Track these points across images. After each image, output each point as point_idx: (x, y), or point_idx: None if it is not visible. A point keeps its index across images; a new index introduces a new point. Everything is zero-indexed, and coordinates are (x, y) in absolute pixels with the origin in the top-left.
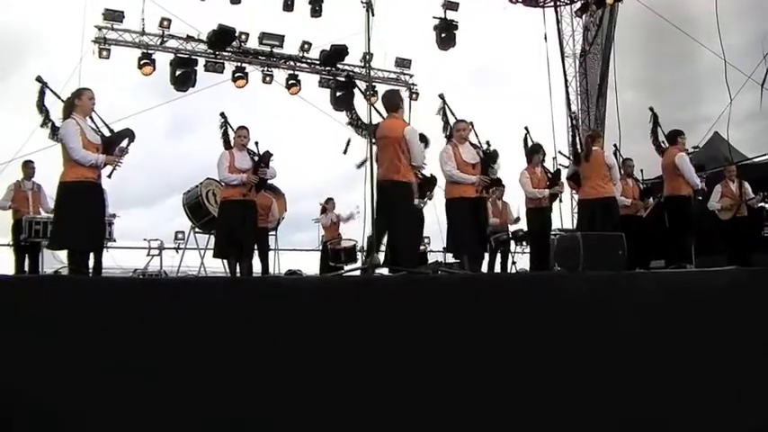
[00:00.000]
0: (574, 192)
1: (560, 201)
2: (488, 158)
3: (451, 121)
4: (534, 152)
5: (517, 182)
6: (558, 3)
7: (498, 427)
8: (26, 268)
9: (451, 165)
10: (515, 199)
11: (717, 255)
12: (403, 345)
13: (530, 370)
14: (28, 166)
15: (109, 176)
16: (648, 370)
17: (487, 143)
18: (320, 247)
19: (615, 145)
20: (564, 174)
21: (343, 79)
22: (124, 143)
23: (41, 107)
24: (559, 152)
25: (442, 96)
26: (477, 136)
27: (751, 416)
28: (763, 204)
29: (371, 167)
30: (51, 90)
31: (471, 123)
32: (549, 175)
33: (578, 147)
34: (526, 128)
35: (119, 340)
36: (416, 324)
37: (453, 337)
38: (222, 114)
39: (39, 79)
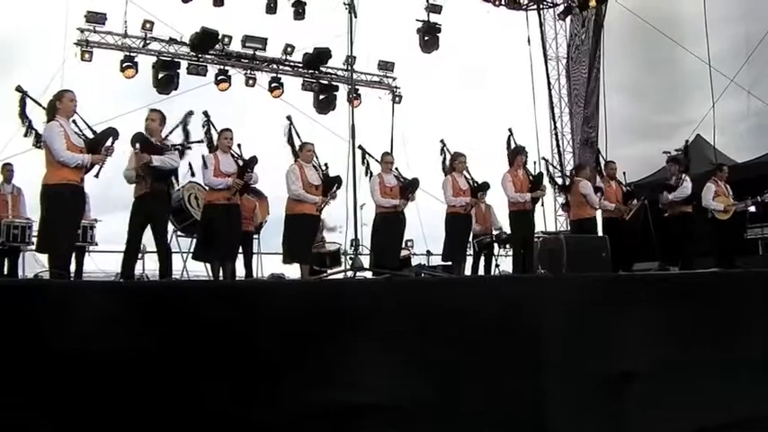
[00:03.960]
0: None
1: (542, 204)
2: (480, 187)
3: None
4: (517, 154)
5: (500, 184)
6: (541, 6)
7: None
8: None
9: (449, 192)
10: (499, 201)
11: (706, 257)
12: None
13: None
14: (6, 169)
15: (96, 176)
16: None
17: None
18: None
19: (597, 149)
20: (546, 177)
21: (325, 82)
22: (108, 142)
23: (23, 117)
24: (543, 158)
25: (442, 141)
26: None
27: None
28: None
29: (354, 172)
30: (32, 98)
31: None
32: (531, 178)
33: (561, 156)
34: (510, 130)
35: None
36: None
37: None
38: (205, 113)
39: (18, 89)
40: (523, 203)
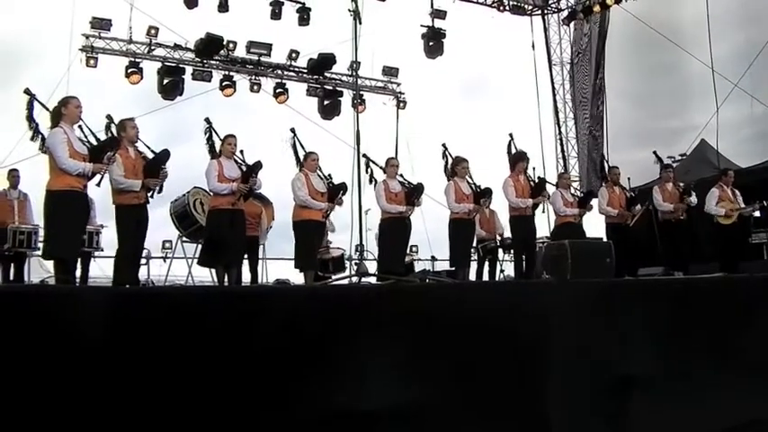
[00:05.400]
0: None
1: (544, 210)
2: (482, 193)
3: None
4: (518, 159)
5: (501, 189)
6: (546, 11)
7: None
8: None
9: (452, 198)
10: (501, 207)
11: (710, 262)
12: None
13: None
14: (12, 175)
15: (98, 185)
16: None
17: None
18: None
19: (602, 154)
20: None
21: (330, 88)
22: (111, 152)
23: (31, 120)
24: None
25: (444, 145)
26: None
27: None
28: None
29: (359, 177)
30: (39, 102)
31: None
32: (531, 183)
33: (566, 161)
34: (510, 135)
35: None
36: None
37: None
38: (207, 120)
39: (27, 91)
40: (524, 209)
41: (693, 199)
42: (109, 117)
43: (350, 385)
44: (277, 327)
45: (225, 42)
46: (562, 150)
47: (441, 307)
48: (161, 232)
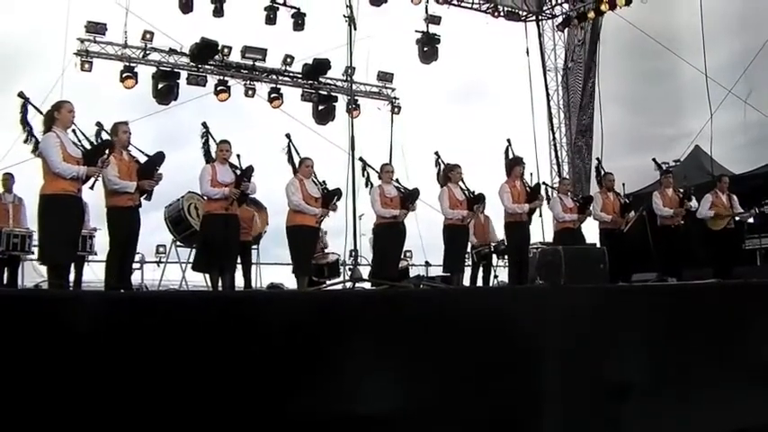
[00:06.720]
0: None
1: (540, 215)
2: (475, 199)
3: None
4: (514, 165)
5: (497, 195)
6: (540, 17)
7: None
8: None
9: (446, 204)
10: (496, 213)
11: (704, 268)
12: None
13: None
14: (6, 179)
15: (91, 188)
16: None
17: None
18: None
19: (597, 158)
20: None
21: (325, 93)
22: (105, 155)
23: (24, 123)
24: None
25: (437, 153)
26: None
27: None
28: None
29: (353, 182)
30: (33, 105)
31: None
32: (527, 189)
33: (559, 167)
34: (508, 140)
35: None
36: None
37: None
38: (204, 124)
39: (21, 95)
40: (520, 215)
41: (694, 203)
42: (99, 124)
43: (346, 389)
44: (272, 332)
45: (220, 47)
46: (556, 156)
47: (435, 312)
48: (155, 237)
